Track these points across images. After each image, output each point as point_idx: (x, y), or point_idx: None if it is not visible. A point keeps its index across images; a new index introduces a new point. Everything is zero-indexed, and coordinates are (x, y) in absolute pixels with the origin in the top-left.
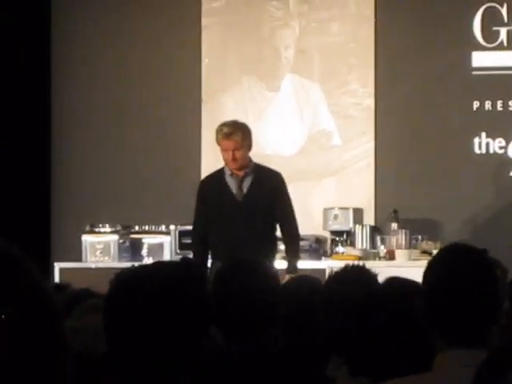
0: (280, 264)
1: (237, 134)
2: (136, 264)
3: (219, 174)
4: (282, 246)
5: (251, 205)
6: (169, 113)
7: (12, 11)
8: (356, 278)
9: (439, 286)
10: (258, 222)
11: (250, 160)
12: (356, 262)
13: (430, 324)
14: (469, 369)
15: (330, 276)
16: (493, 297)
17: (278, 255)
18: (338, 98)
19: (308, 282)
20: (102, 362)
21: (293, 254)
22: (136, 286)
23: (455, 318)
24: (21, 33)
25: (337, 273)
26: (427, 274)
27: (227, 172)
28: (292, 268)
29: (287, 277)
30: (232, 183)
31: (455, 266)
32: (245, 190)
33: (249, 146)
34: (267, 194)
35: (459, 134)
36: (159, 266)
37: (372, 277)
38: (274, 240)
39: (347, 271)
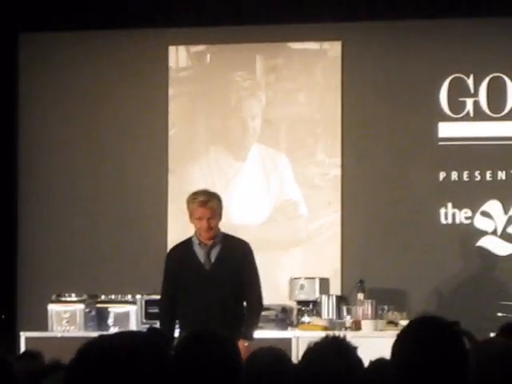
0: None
1: (213, 201)
2: (101, 333)
3: (187, 243)
4: None
5: (219, 274)
6: (135, 182)
7: None
8: (336, 349)
9: (409, 359)
10: (226, 292)
11: (218, 229)
12: (337, 334)
13: None
14: None
15: (308, 347)
16: (462, 370)
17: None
18: (305, 168)
19: (274, 353)
20: None
21: (251, 322)
22: (96, 357)
23: None
24: None
25: (316, 344)
26: (396, 346)
27: (195, 241)
28: (247, 335)
29: (241, 343)
30: (200, 252)
31: (424, 339)
32: (213, 260)
33: (221, 215)
34: (235, 264)
35: (425, 204)
36: (123, 336)
37: (352, 349)
38: (240, 309)
39: (327, 342)
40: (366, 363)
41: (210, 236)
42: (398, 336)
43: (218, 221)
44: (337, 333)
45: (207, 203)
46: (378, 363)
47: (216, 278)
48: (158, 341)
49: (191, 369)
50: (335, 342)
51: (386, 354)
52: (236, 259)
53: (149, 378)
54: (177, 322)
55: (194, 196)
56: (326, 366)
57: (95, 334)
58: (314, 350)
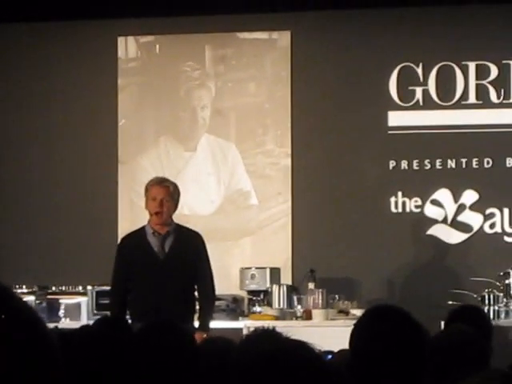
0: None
1: (169, 183)
2: (53, 325)
3: (140, 232)
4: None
5: (173, 264)
6: (85, 173)
7: None
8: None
9: (366, 348)
10: (179, 282)
11: (172, 220)
12: (266, 326)
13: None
14: None
15: (241, 340)
16: (420, 358)
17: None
18: (255, 158)
19: (221, 343)
20: None
21: (205, 313)
22: None
23: (383, 379)
24: None
25: (247, 336)
26: (354, 336)
27: (149, 231)
28: (204, 326)
29: (198, 335)
30: (154, 242)
31: (382, 328)
32: (167, 249)
33: (175, 202)
34: (189, 254)
35: (376, 193)
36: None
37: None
38: (193, 299)
39: (257, 335)
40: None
41: (160, 220)
42: (355, 326)
43: (171, 206)
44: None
45: (163, 182)
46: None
47: (170, 268)
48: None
49: (149, 359)
50: (265, 333)
51: (337, 342)
52: (189, 250)
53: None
54: (128, 312)
55: (151, 179)
56: (258, 357)
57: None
58: (245, 342)
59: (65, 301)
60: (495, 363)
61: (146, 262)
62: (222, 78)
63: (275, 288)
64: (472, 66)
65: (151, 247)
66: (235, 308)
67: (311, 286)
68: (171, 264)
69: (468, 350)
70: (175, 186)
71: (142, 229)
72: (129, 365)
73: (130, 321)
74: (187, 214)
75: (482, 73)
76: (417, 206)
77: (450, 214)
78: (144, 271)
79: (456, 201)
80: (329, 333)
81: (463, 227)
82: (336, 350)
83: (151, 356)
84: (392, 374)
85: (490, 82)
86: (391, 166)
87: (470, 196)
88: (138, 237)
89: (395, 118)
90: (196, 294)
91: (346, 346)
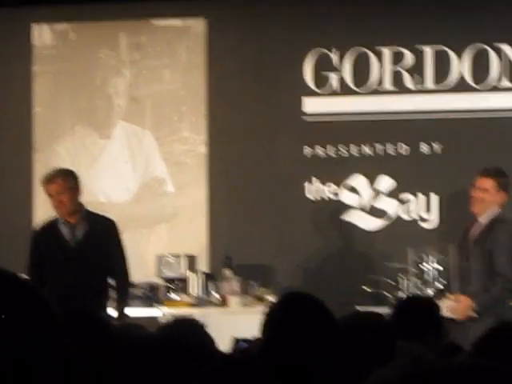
0: (111, 311)
1: (58, 176)
2: None
3: (52, 222)
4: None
5: (85, 252)
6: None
7: None
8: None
9: (278, 334)
10: (93, 269)
11: (81, 206)
12: (185, 315)
13: (271, 372)
14: None
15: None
16: (330, 345)
17: (110, 302)
18: (171, 146)
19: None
20: None
21: (122, 302)
22: None
23: (296, 365)
24: None
25: (166, 325)
26: (266, 323)
27: (60, 220)
28: (120, 314)
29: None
30: (65, 231)
31: (292, 314)
32: (79, 238)
33: (75, 189)
34: (101, 241)
35: (290, 179)
36: None
37: (199, 327)
38: (107, 287)
39: (176, 323)
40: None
41: (64, 211)
42: (267, 313)
43: (70, 195)
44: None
45: (52, 179)
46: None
47: (82, 256)
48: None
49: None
50: (184, 322)
51: (253, 329)
52: (102, 237)
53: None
54: None
55: (43, 175)
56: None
57: None
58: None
59: None
60: None
61: (59, 250)
62: (137, 65)
63: (192, 275)
64: (386, 51)
65: (63, 236)
66: (151, 295)
67: (227, 273)
68: (83, 251)
69: (374, 333)
70: (65, 175)
71: (55, 219)
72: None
73: None
74: (103, 201)
75: (396, 59)
76: (332, 193)
77: (365, 200)
78: (57, 260)
79: (372, 187)
80: (245, 320)
81: (379, 213)
82: (252, 337)
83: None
84: (303, 362)
85: (405, 68)
86: (306, 152)
87: (385, 182)
88: (50, 227)
89: (310, 104)
90: (110, 281)
91: None
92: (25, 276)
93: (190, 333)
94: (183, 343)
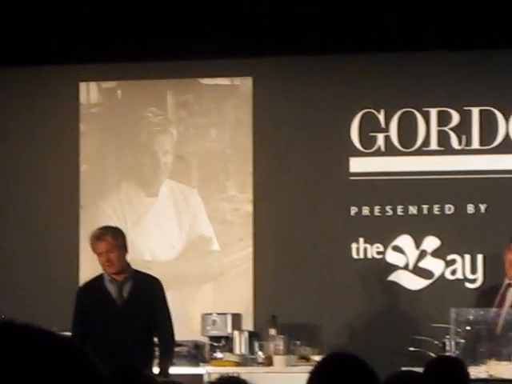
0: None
1: (107, 234)
2: None
3: (98, 280)
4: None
5: (131, 310)
6: (46, 219)
7: None
8: None
9: None
10: (138, 328)
11: (128, 265)
12: (231, 373)
13: None
14: None
15: None
16: None
17: (155, 361)
18: (217, 204)
19: None
20: None
21: (165, 360)
22: None
23: None
24: None
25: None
26: (310, 383)
27: (107, 278)
28: (164, 373)
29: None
30: (112, 289)
31: (336, 376)
32: (125, 296)
33: (123, 248)
34: (146, 300)
35: (337, 239)
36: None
37: None
38: (152, 345)
39: (222, 382)
40: None
41: (113, 270)
42: (312, 372)
43: (118, 254)
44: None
45: (101, 236)
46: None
47: (128, 314)
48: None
49: None
50: (230, 380)
51: None
52: (147, 295)
53: None
54: None
55: (91, 233)
56: None
57: None
58: None
59: None
60: None
61: (105, 308)
62: (183, 123)
63: (236, 334)
64: (434, 112)
65: (109, 294)
66: (196, 354)
67: (272, 332)
68: (129, 310)
69: None
70: (114, 233)
71: (101, 276)
72: None
73: None
74: (149, 259)
75: (443, 119)
76: (378, 253)
77: (411, 260)
78: (102, 318)
79: (417, 247)
80: (290, 379)
81: (424, 273)
82: None
83: None
84: None
85: (451, 129)
86: (353, 212)
87: (431, 242)
88: (95, 284)
89: (356, 164)
90: (155, 339)
91: None
92: (69, 333)
93: None
94: None
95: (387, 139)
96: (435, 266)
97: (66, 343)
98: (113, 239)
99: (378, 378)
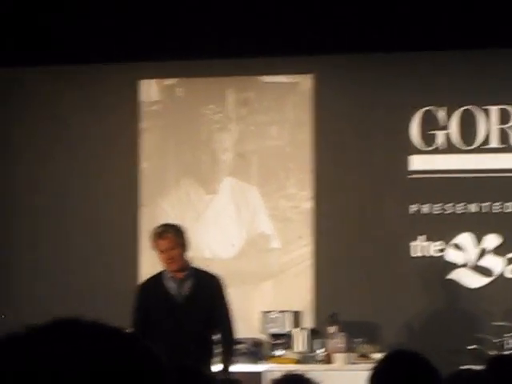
0: (216, 367)
1: (169, 231)
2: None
3: (158, 277)
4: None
5: (191, 308)
6: (106, 217)
7: None
8: None
9: None
10: (198, 325)
11: (188, 262)
12: (295, 371)
13: None
14: None
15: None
16: None
17: (215, 359)
18: (276, 202)
19: None
20: None
21: (226, 358)
22: None
23: None
24: None
25: (277, 381)
26: (372, 380)
27: (167, 275)
28: (225, 372)
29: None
30: (172, 286)
31: (398, 373)
32: (185, 293)
33: (184, 245)
34: (207, 297)
35: (397, 237)
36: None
37: None
38: (211, 343)
39: (287, 381)
40: None
41: (174, 268)
42: (374, 369)
43: (179, 252)
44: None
45: (163, 234)
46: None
47: (188, 312)
48: None
49: None
50: (294, 378)
51: None
52: (208, 293)
53: None
54: None
55: (153, 230)
56: None
57: None
58: None
59: None
60: None
61: (165, 306)
62: (244, 121)
63: (296, 331)
64: (494, 110)
65: (169, 291)
66: (256, 351)
67: (332, 329)
68: (189, 308)
69: None
70: (176, 230)
71: (161, 273)
72: None
73: None
74: (208, 257)
75: (504, 117)
76: (438, 251)
77: (471, 258)
78: (162, 316)
79: (477, 245)
80: (350, 377)
81: (484, 271)
82: None
83: None
84: None
85: (511, 126)
86: (412, 210)
87: (491, 240)
88: (156, 281)
89: (416, 162)
90: (215, 337)
91: None
92: (130, 330)
93: None
94: None
95: (447, 137)
96: (495, 263)
97: (131, 339)
98: (175, 237)
99: (440, 376)
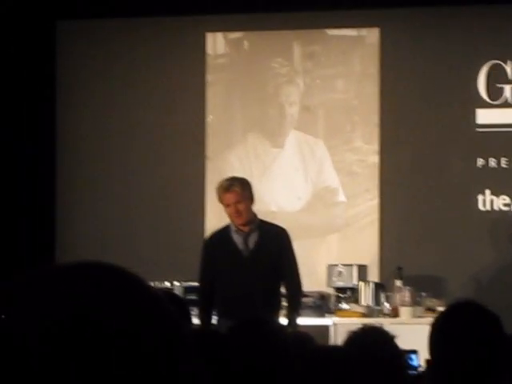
0: (283, 320)
1: (236, 185)
2: None
3: (225, 230)
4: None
5: (258, 261)
6: (173, 169)
7: (17, 39)
8: (374, 340)
9: (444, 346)
10: (264, 278)
11: (254, 216)
12: (373, 324)
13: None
14: None
15: (348, 337)
16: (497, 354)
17: (282, 311)
18: (343, 155)
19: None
20: None
21: (293, 311)
22: None
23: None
24: (27, 66)
25: (354, 333)
26: (432, 333)
27: (233, 228)
28: (292, 324)
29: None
30: (238, 240)
31: (462, 323)
32: (251, 247)
33: (250, 199)
34: (273, 250)
35: (463, 191)
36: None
37: (390, 339)
38: (279, 296)
39: (365, 333)
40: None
41: (241, 221)
42: (435, 320)
43: (246, 205)
44: (374, 321)
45: (230, 187)
46: None
47: (254, 265)
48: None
49: (246, 356)
50: (373, 331)
51: (424, 340)
52: (274, 246)
53: None
54: (214, 308)
55: (219, 184)
56: (365, 356)
57: None
58: (353, 340)
59: None
60: None
61: (231, 259)
62: (310, 74)
63: (362, 285)
64: None
65: (235, 245)
66: (322, 305)
67: (398, 283)
68: (255, 261)
69: None
70: (242, 184)
71: (227, 227)
72: (223, 364)
73: (216, 317)
74: (274, 210)
75: None
76: (505, 204)
77: None
78: (229, 268)
79: None
80: (416, 330)
81: None
82: (423, 347)
83: (245, 355)
84: (469, 371)
85: None
86: (479, 163)
87: None
88: (222, 235)
89: (483, 116)
90: (282, 290)
91: None
92: (197, 283)
93: (379, 343)
94: (371, 357)
95: None
96: None
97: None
98: (241, 190)
99: (503, 326)
